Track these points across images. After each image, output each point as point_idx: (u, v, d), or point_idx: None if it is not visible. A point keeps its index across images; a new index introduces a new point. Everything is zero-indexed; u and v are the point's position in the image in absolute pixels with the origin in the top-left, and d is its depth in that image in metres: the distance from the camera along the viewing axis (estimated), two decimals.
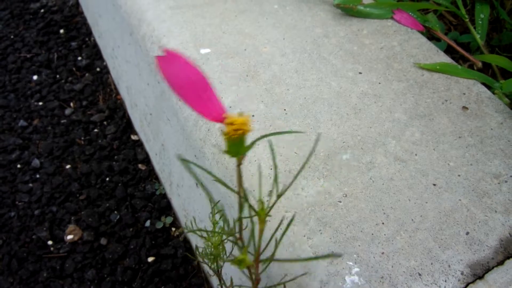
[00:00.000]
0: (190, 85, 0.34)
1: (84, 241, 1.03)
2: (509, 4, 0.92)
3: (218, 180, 0.38)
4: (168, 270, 0.97)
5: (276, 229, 0.43)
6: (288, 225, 0.45)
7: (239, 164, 0.37)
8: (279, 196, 0.42)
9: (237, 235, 0.41)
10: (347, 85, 0.70)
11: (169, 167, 0.97)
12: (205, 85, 0.34)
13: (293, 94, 0.68)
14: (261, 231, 0.42)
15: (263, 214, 0.41)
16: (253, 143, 0.35)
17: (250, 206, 0.41)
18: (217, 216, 0.53)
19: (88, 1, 1.49)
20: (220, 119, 0.34)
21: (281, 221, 0.52)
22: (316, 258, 0.46)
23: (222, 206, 0.65)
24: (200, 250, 0.55)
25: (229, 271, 0.74)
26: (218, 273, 0.58)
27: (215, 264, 0.56)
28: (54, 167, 1.18)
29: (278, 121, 0.65)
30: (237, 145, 0.34)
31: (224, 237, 0.51)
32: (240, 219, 0.40)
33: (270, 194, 0.50)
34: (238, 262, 0.40)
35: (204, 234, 0.52)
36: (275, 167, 0.38)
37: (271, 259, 0.41)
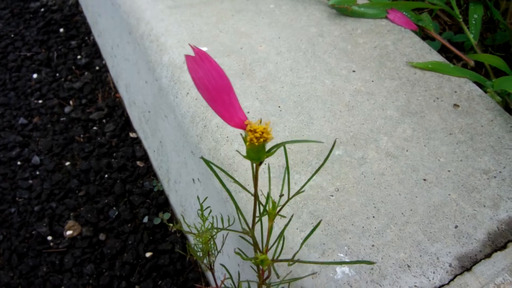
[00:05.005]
0: (215, 88, 0.33)
1: (83, 237, 1.05)
2: (503, 5, 0.94)
3: (237, 182, 0.38)
4: (166, 265, 0.98)
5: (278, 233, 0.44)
6: (288, 222, 0.46)
7: (257, 168, 0.37)
8: (290, 198, 0.43)
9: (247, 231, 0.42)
10: (341, 83, 0.71)
11: (167, 164, 0.99)
12: (229, 89, 0.34)
13: (288, 92, 0.70)
14: (270, 228, 0.43)
15: (273, 212, 0.42)
16: (273, 149, 0.35)
17: (262, 206, 0.42)
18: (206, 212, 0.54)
19: (87, 1, 1.50)
20: (241, 125, 0.34)
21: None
22: (349, 262, 0.45)
23: (218, 200, 0.66)
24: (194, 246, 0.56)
25: (226, 264, 0.75)
26: (210, 268, 0.59)
27: (206, 259, 0.57)
28: (54, 164, 1.19)
29: (272, 117, 0.66)
30: (257, 151, 0.35)
31: (214, 232, 0.53)
32: (254, 218, 0.41)
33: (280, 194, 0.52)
34: (260, 262, 0.42)
35: (194, 231, 0.53)
36: (288, 169, 0.39)
37: (293, 260, 0.42)
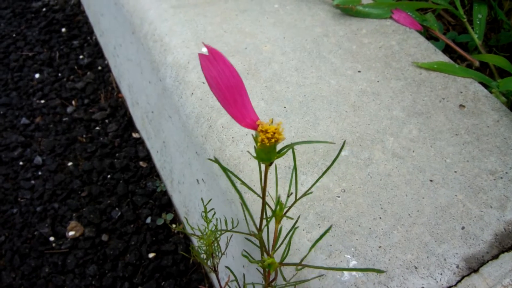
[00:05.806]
0: (228, 87, 0.33)
1: (85, 237, 1.04)
2: (507, 5, 0.94)
3: (245, 184, 0.38)
4: (169, 266, 0.98)
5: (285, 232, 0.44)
6: (294, 224, 0.45)
7: (266, 169, 0.37)
8: (296, 200, 0.43)
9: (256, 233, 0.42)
10: (346, 83, 0.71)
11: (170, 165, 0.98)
12: (242, 89, 0.34)
13: (293, 92, 0.69)
14: (276, 230, 0.43)
15: (280, 214, 0.42)
16: (284, 150, 0.35)
17: (270, 207, 0.42)
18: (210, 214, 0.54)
19: (89, 0, 1.50)
20: (253, 126, 0.34)
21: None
22: (358, 269, 0.45)
23: (223, 201, 0.66)
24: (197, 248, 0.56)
25: (231, 265, 0.75)
26: (214, 270, 0.59)
27: (210, 260, 0.57)
28: (56, 164, 1.19)
29: (278, 118, 0.66)
30: (268, 152, 0.34)
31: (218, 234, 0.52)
32: (261, 221, 0.41)
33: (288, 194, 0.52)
34: (268, 266, 0.41)
35: (198, 233, 0.53)
36: (295, 171, 0.39)
37: (301, 264, 0.41)
